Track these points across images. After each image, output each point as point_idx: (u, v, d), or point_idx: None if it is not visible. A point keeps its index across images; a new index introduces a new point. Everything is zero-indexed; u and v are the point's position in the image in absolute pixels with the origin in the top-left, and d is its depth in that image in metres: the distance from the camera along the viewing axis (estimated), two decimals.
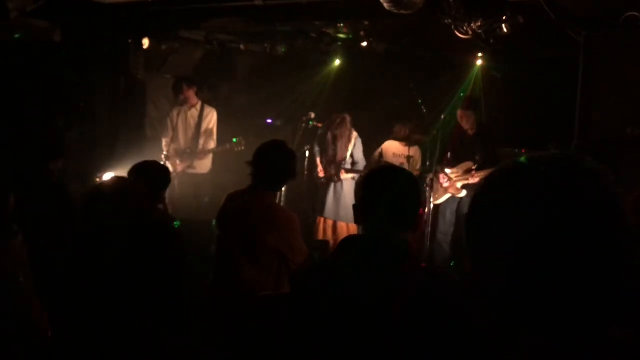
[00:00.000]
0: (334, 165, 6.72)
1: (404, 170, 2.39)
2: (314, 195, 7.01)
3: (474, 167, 5.95)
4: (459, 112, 6.15)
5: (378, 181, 2.14)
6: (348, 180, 6.75)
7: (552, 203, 0.85)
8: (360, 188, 2.16)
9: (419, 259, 2.25)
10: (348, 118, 6.74)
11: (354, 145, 6.77)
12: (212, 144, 7.32)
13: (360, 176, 1.90)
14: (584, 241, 0.84)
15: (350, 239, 2.17)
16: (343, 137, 6.72)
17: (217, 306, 3.55)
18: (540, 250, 0.85)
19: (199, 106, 7.32)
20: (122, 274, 2.68)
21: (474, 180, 5.90)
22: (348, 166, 6.72)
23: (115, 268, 2.70)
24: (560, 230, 0.84)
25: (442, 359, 1.77)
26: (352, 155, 6.76)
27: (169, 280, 2.81)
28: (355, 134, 6.79)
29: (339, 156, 6.75)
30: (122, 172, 6.89)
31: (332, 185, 6.71)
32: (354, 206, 2.14)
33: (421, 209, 2.19)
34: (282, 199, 6.53)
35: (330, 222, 6.70)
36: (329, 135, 6.79)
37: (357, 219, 2.13)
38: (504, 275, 0.89)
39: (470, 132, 6.13)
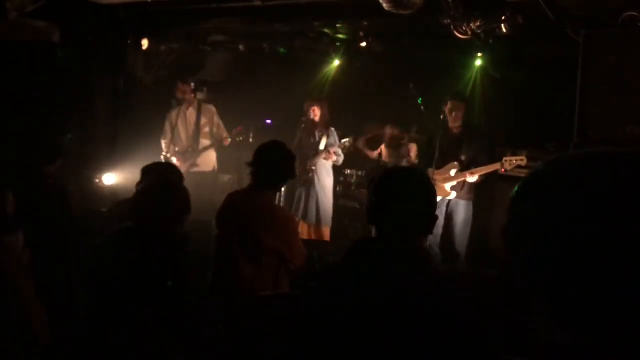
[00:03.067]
0: (311, 160, 6.64)
1: (418, 171, 2.34)
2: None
3: (458, 168, 5.88)
4: (450, 104, 5.94)
5: (391, 183, 2.10)
6: (323, 178, 6.65)
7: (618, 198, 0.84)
8: (373, 189, 2.11)
9: (430, 262, 2.20)
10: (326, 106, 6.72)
11: (328, 137, 6.67)
12: (225, 134, 7.32)
13: (374, 177, 1.88)
14: None
15: (362, 241, 2.11)
16: (322, 117, 6.65)
17: (216, 306, 3.55)
18: (598, 245, 0.83)
19: (196, 104, 7.32)
20: (123, 274, 2.67)
21: (472, 179, 5.81)
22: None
23: (116, 268, 2.70)
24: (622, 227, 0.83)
25: None
26: (325, 146, 6.63)
27: (169, 280, 2.81)
28: (332, 128, 6.73)
29: (315, 137, 6.66)
30: (121, 172, 6.96)
31: (306, 185, 6.63)
32: (367, 207, 2.11)
33: (436, 213, 2.13)
34: (282, 199, 6.54)
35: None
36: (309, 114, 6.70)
37: (370, 220, 2.09)
38: (558, 269, 0.87)
39: (456, 131, 6.02)
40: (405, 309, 1.79)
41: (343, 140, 6.68)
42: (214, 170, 7.42)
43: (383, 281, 1.86)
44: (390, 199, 2.05)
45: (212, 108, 7.41)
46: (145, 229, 2.80)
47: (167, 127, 7.34)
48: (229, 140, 7.20)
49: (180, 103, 7.28)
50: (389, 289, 1.84)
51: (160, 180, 3.29)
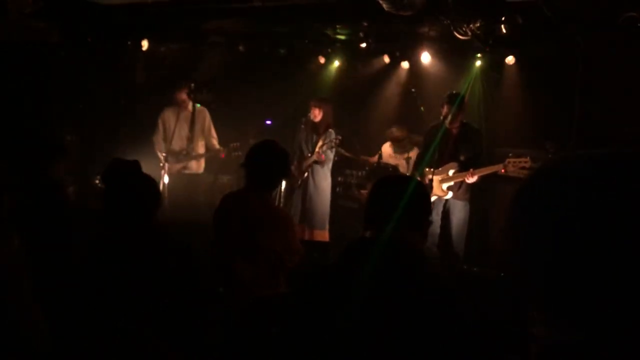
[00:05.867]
0: (306, 161, 6.62)
1: (410, 177, 2.44)
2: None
3: (457, 168, 5.86)
4: (446, 107, 5.89)
5: (385, 188, 2.21)
6: (318, 180, 6.63)
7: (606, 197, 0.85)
8: (369, 195, 2.22)
9: (425, 261, 2.27)
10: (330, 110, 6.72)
11: (324, 139, 6.60)
12: (215, 142, 7.29)
13: (371, 184, 1.94)
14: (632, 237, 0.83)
15: (358, 240, 2.15)
16: (322, 122, 6.63)
17: (215, 307, 3.55)
18: (592, 245, 0.84)
19: (190, 106, 7.24)
20: (124, 277, 2.67)
21: (472, 179, 5.78)
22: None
23: (117, 271, 2.69)
24: (614, 225, 0.84)
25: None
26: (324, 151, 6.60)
27: (168, 282, 2.81)
28: (330, 130, 6.65)
29: (316, 141, 6.62)
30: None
31: (302, 187, 6.62)
32: (364, 212, 2.18)
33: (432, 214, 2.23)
34: (282, 199, 6.54)
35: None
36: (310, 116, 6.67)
37: (366, 223, 2.17)
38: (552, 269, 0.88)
39: (454, 132, 5.97)
40: (394, 305, 1.83)
41: (333, 137, 6.62)
42: (203, 172, 7.44)
43: (373, 279, 1.89)
44: (380, 202, 2.16)
45: (206, 111, 7.37)
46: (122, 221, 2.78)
47: (160, 126, 7.23)
48: (223, 154, 7.24)
49: (176, 104, 7.21)
50: (379, 287, 1.87)
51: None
